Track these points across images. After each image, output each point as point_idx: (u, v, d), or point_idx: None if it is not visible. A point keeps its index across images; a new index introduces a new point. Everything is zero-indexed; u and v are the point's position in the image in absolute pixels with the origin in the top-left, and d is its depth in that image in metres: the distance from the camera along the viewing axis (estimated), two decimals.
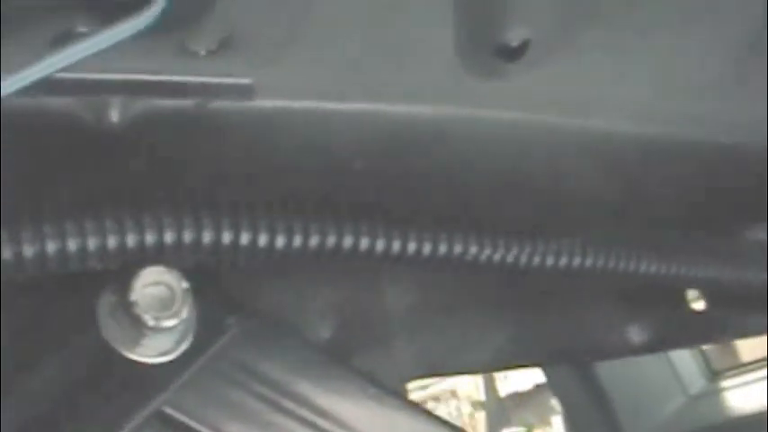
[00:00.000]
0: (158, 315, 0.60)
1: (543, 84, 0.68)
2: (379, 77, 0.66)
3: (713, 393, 1.50)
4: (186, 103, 0.67)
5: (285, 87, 0.67)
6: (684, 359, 1.50)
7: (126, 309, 0.61)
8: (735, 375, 1.51)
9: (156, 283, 0.61)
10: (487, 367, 0.84)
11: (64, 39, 0.61)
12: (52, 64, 0.57)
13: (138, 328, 0.61)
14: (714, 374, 1.52)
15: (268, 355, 0.65)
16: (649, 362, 1.45)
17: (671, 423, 1.49)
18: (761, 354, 1.43)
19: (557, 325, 0.78)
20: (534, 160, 0.73)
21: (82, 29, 0.60)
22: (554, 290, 0.76)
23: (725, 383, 1.50)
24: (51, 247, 0.58)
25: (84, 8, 0.59)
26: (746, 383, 1.48)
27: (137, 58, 0.60)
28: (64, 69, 0.59)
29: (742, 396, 1.47)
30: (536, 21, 0.65)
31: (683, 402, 1.49)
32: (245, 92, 0.66)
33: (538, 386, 2.48)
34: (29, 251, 0.58)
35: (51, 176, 0.64)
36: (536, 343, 0.77)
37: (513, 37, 0.65)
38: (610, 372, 1.46)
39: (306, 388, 0.65)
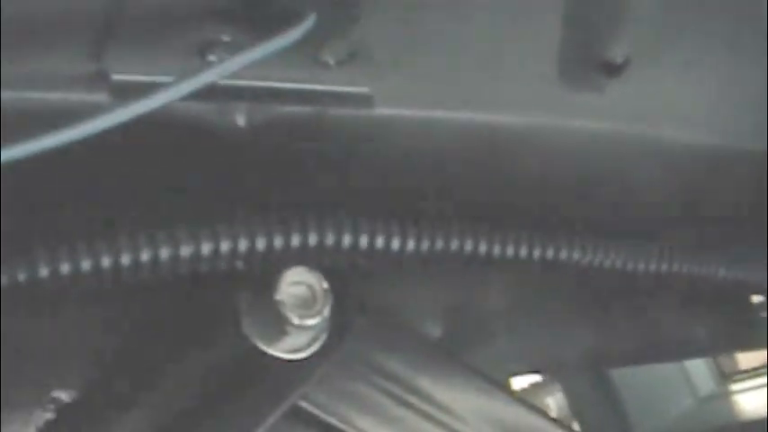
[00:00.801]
0: (302, 314, 0.63)
1: (631, 96, 0.72)
2: (479, 87, 0.69)
3: (722, 396, 1.53)
4: (306, 109, 0.69)
5: (394, 96, 0.69)
6: (695, 362, 1.52)
7: (270, 307, 0.64)
8: (744, 379, 1.54)
9: (299, 283, 0.64)
10: (578, 365, 0.87)
11: (209, 47, 0.64)
12: (211, 75, 0.59)
13: (280, 325, 0.64)
14: (724, 377, 1.55)
15: (392, 352, 0.68)
16: (660, 364, 1.48)
17: (680, 425, 1.52)
18: None
19: (634, 326, 0.82)
20: (617, 168, 0.76)
21: (226, 38, 0.63)
22: (632, 291, 0.80)
23: (734, 387, 1.53)
24: (206, 248, 0.61)
25: (232, 19, 0.62)
26: (756, 387, 1.51)
27: (269, 66, 0.62)
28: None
29: (751, 399, 1.51)
30: (638, 38, 0.68)
31: (693, 404, 1.52)
32: (364, 101, 0.69)
33: (533, 385, 2.52)
34: (186, 251, 0.61)
35: (184, 177, 0.67)
36: (616, 343, 0.80)
37: (618, 54, 0.69)
38: (621, 372, 1.49)
39: (427, 383, 0.69)
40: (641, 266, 0.73)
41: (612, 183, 0.76)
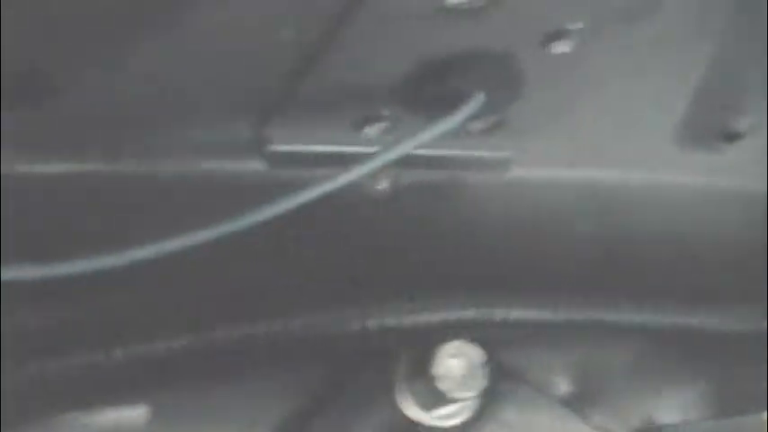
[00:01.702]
0: (459, 387, 0.64)
1: (744, 156, 0.74)
2: (603, 146, 0.71)
3: None
4: (444, 173, 0.71)
5: (527, 158, 0.71)
6: None
7: (426, 380, 0.65)
8: None
9: (457, 356, 0.65)
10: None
11: (367, 121, 0.65)
12: (391, 154, 0.60)
13: (436, 398, 0.65)
14: None
15: (526, 413, 0.70)
16: None
17: None
18: None
19: (734, 381, 0.83)
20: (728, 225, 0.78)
21: (385, 112, 0.64)
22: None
23: None
24: (372, 324, 0.62)
25: (393, 94, 0.63)
26: None
27: None
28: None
29: None
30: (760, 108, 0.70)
31: None
32: (503, 165, 0.70)
33: None
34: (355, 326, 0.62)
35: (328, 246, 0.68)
36: (720, 399, 0.82)
37: (743, 125, 0.70)
38: None
39: None
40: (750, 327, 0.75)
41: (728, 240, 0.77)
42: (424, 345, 0.65)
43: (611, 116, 0.70)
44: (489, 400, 0.67)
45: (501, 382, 0.68)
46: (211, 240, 0.56)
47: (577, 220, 0.73)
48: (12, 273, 0.52)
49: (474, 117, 0.63)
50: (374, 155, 0.60)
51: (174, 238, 0.56)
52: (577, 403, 0.73)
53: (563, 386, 0.73)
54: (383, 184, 0.70)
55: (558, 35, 0.62)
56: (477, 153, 0.70)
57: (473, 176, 0.72)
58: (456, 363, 0.64)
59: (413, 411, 0.65)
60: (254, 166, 0.66)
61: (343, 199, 0.63)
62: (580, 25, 0.62)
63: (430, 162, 0.68)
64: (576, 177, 0.74)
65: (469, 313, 0.64)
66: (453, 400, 0.64)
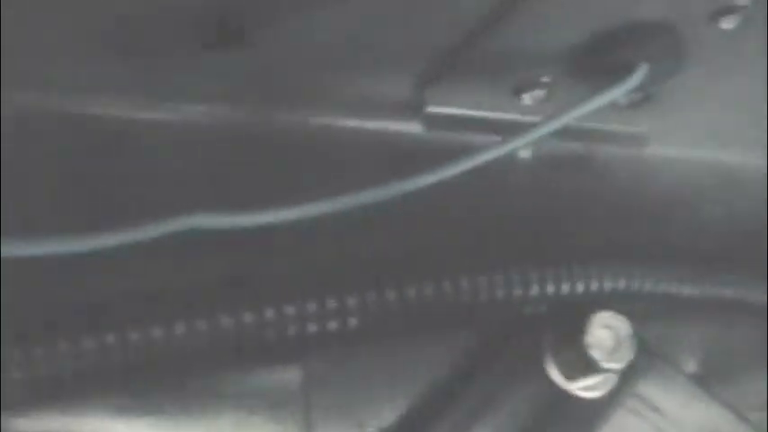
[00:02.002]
0: (609, 358, 0.64)
1: None
2: (742, 129, 0.71)
3: None
4: (582, 145, 0.70)
5: (663, 136, 0.71)
6: None
7: (577, 349, 0.65)
8: None
9: (607, 327, 0.65)
10: None
11: (526, 87, 0.64)
12: (554, 124, 0.60)
13: (585, 368, 0.65)
14: None
15: (663, 389, 0.70)
16: None
17: None
18: None
19: None
20: None
21: (545, 79, 0.64)
22: None
23: None
24: (534, 290, 0.62)
25: (555, 61, 0.62)
26: None
27: None
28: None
29: None
30: None
31: None
32: (639, 141, 0.70)
33: None
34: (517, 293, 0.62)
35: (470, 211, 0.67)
36: None
37: None
38: None
39: (694, 419, 0.70)
40: None
41: None
42: (572, 315, 0.64)
43: (755, 99, 0.70)
44: (629, 375, 0.67)
45: (640, 357, 0.68)
46: (361, 205, 0.56)
47: (710, 201, 0.73)
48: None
49: (635, 90, 0.63)
50: (539, 123, 0.60)
51: (321, 201, 0.55)
52: (703, 381, 0.73)
53: (690, 365, 0.74)
54: (525, 153, 0.70)
55: (726, 10, 0.62)
56: (616, 127, 0.70)
57: (609, 150, 0.72)
58: (606, 333, 0.64)
59: (560, 381, 0.65)
60: (409, 127, 0.66)
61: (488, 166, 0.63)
62: (746, 2, 0.62)
63: (568, 133, 0.68)
64: (709, 158, 0.74)
65: (620, 285, 0.64)
66: (603, 371, 0.64)
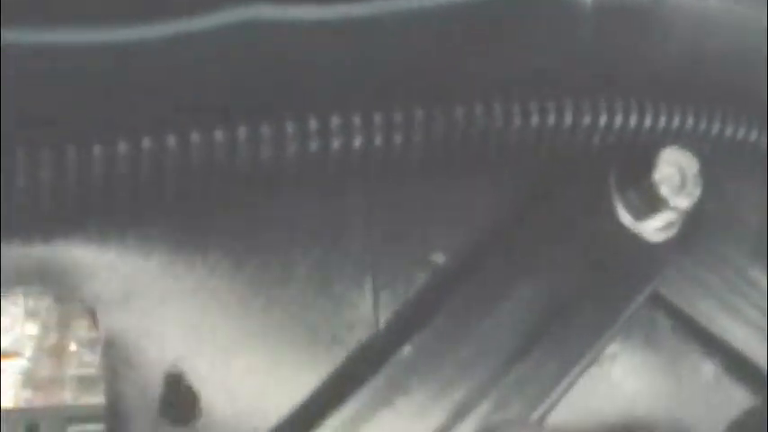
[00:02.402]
0: (676, 194, 0.62)
1: None
2: None
3: None
4: None
5: None
6: None
7: (644, 185, 0.63)
8: None
9: (674, 164, 0.63)
10: None
11: None
12: None
13: (653, 205, 0.63)
14: None
15: (731, 241, 0.68)
16: None
17: None
18: None
19: None
20: None
21: None
22: None
23: None
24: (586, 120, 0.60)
25: None
26: None
27: None
28: None
29: None
30: None
31: None
32: None
33: None
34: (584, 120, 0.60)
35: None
36: None
37: None
38: None
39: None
40: None
41: None
42: (638, 151, 0.62)
43: None
44: (696, 219, 0.65)
45: (707, 204, 0.66)
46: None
47: None
48: None
49: None
50: None
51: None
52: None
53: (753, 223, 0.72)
54: None
55: None
56: None
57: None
58: (674, 170, 0.62)
59: (626, 219, 0.63)
60: None
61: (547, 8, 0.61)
62: None
63: None
64: None
65: (689, 122, 0.62)
66: (670, 208, 0.62)
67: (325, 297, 0.59)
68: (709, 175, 0.64)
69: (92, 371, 0.58)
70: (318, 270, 0.59)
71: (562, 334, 0.62)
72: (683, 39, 0.68)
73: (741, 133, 0.65)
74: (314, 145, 0.55)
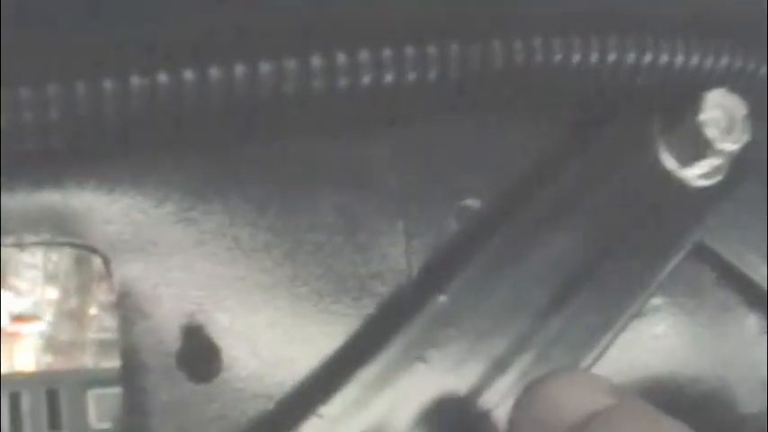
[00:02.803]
0: (724, 137, 0.59)
1: None
2: None
3: None
4: None
5: None
6: None
7: (691, 128, 0.59)
8: None
9: (721, 106, 0.59)
10: None
11: None
12: None
13: (699, 149, 0.59)
14: None
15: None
16: None
17: None
18: None
19: None
20: None
21: None
22: None
23: None
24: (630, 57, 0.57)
25: None
26: None
27: None
28: None
29: None
30: None
31: None
32: None
33: None
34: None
35: None
36: None
37: None
38: None
39: None
40: None
41: None
42: (684, 92, 0.59)
43: None
44: (741, 166, 0.61)
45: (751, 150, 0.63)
46: None
47: None
48: None
49: None
50: None
51: None
52: None
53: None
54: None
55: None
56: None
57: None
58: (720, 113, 0.59)
59: (671, 164, 0.60)
60: None
61: None
62: None
63: None
64: None
65: (737, 62, 0.58)
66: (718, 152, 0.58)
67: (354, 245, 0.56)
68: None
69: (112, 335, 0.55)
70: (346, 216, 0.56)
71: (603, 285, 0.59)
72: None
73: None
74: (342, 81, 0.51)
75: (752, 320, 0.64)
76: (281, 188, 0.55)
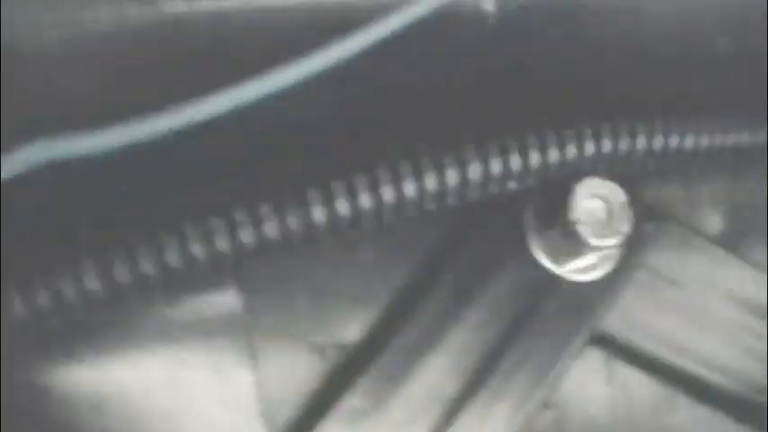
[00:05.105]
0: (599, 233, 0.55)
1: None
2: None
3: None
4: None
5: None
6: None
7: (561, 226, 0.55)
8: None
9: (594, 197, 0.55)
10: None
11: None
12: None
13: (574, 246, 0.56)
14: None
15: (677, 255, 0.61)
16: None
17: None
18: None
19: None
20: None
21: None
22: None
23: None
24: (495, 167, 0.53)
25: None
26: None
27: None
28: None
29: None
30: None
31: None
32: None
33: None
34: (474, 173, 0.52)
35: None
36: None
37: None
38: None
39: (721, 286, 0.61)
40: None
41: None
42: (554, 187, 0.55)
43: None
44: (634, 245, 0.58)
45: (645, 223, 0.59)
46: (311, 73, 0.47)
47: (718, 38, 0.62)
48: None
49: None
50: None
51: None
52: (731, 241, 0.64)
53: (712, 225, 0.64)
54: (488, 4, 0.60)
55: None
56: None
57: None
58: (595, 205, 0.55)
59: (548, 263, 0.56)
60: None
61: (445, 21, 0.53)
62: None
63: None
64: None
65: (606, 145, 0.54)
66: (594, 249, 0.54)
67: None
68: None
69: None
70: None
71: (498, 391, 0.56)
72: (605, 41, 0.61)
73: (688, 141, 0.57)
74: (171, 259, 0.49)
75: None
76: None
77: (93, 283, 0.47)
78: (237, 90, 0.48)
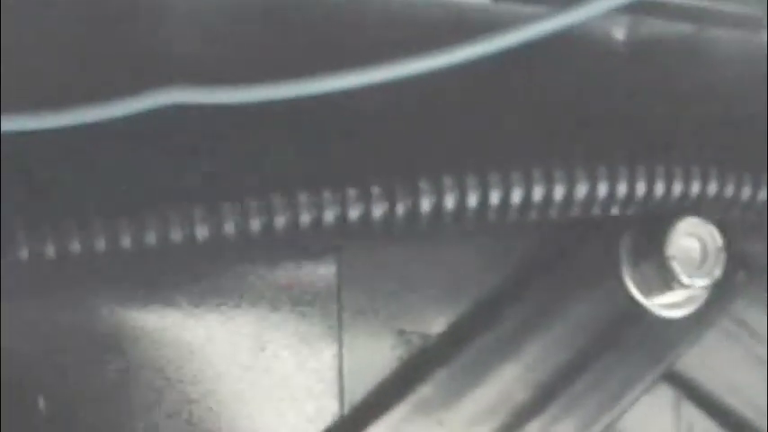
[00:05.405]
0: (691, 272, 0.56)
1: None
2: None
3: None
4: (688, 27, 0.61)
5: None
6: None
7: (655, 259, 0.56)
8: None
9: (692, 236, 0.56)
10: None
11: None
12: None
13: (664, 280, 0.57)
14: None
15: (763, 312, 0.61)
16: None
17: None
18: None
19: None
20: None
21: None
22: None
23: None
24: (601, 189, 0.54)
25: None
26: None
27: None
28: None
29: None
30: None
31: None
32: (753, 23, 0.60)
33: None
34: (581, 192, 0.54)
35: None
36: None
37: None
38: None
39: None
40: None
41: None
42: (654, 220, 0.56)
43: None
44: (722, 291, 0.58)
45: (737, 272, 0.59)
46: (425, 71, 0.48)
47: None
48: None
49: None
50: None
51: (383, 67, 0.48)
52: None
53: None
54: (619, 33, 0.61)
55: None
56: (727, 7, 0.61)
57: (723, 33, 0.62)
58: (692, 244, 0.56)
59: (636, 293, 0.57)
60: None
61: (571, 45, 0.54)
62: None
63: (672, 11, 0.59)
64: None
65: (711, 188, 0.55)
66: (684, 286, 0.55)
67: None
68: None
69: None
70: None
71: (566, 409, 0.57)
72: (724, 80, 0.62)
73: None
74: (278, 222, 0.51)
75: None
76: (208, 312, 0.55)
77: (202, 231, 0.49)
78: (360, 72, 0.49)
